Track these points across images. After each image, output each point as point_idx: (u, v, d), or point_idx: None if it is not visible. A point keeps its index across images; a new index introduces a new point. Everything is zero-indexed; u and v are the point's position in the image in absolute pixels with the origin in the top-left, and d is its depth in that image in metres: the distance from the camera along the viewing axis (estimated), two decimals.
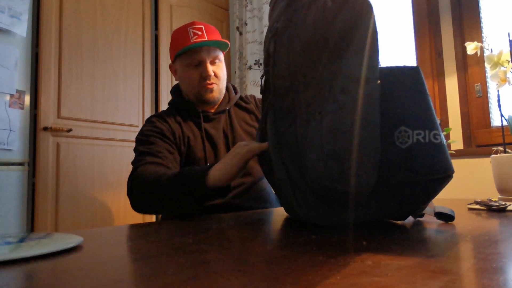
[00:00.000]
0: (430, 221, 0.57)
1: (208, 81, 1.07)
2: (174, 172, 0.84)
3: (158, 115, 1.11)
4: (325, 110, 0.46)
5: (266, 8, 2.41)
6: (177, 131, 1.05)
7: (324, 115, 0.46)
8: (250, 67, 2.47)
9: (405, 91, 0.49)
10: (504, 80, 1.00)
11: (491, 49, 1.09)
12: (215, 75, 1.09)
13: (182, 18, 2.39)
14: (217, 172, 0.76)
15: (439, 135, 0.48)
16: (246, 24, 2.54)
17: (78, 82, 1.86)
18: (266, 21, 2.40)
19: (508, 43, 1.00)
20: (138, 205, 0.91)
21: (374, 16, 0.46)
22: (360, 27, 0.45)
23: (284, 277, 0.26)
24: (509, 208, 0.71)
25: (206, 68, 1.06)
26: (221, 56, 1.13)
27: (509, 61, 1.00)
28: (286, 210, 0.66)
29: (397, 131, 0.47)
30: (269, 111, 0.58)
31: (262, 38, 2.44)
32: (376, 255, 0.33)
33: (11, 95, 1.61)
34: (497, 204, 0.73)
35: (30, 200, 1.68)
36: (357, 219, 0.50)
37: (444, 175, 0.47)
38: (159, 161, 0.95)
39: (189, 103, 1.11)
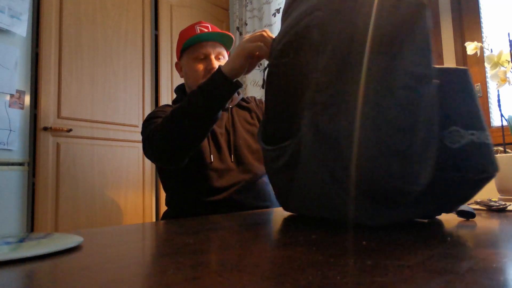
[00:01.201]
0: (442, 219, 0.57)
1: None
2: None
3: (165, 105, 1.18)
4: (381, 106, 0.44)
5: (266, 8, 2.41)
6: None
7: (381, 111, 0.44)
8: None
9: (456, 91, 0.49)
10: (504, 80, 1.00)
11: (491, 49, 1.09)
12: None
13: (182, 18, 2.39)
14: (226, 66, 0.86)
15: (489, 135, 0.49)
16: (246, 24, 2.54)
17: (78, 82, 1.86)
18: (266, 21, 2.40)
19: (508, 43, 1.00)
20: (160, 147, 0.93)
21: (429, 14, 0.45)
22: (419, 23, 0.45)
23: (284, 277, 0.26)
24: (509, 208, 0.71)
25: (211, 61, 1.10)
26: (225, 54, 1.16)
27: (509, 61, 1.00)
28: (310, 210, 0.61)
29: (447, 130, 0.48)
30: (307, 105, 0.55)
31: None
32: (376, 255, 0.33)
33: (11, 95, 1.61)
34: (497, 204, 0.73)
35: (30, 200, 1.68)
36: (400, 218, 0.50)
37: (493, 174, 0.48)
38: None
39: None
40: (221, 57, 1.14)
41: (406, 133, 0.43)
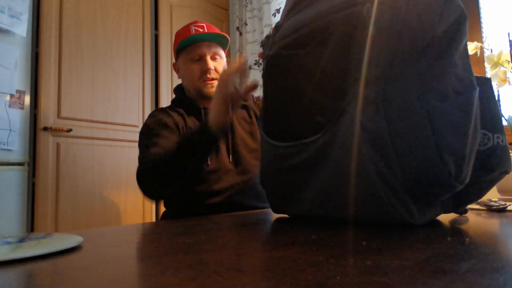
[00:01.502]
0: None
1: (208, 75, 1.09)
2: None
3: (160, 109, 1.14)
4: (432, 106, 0.46)
5: (266, 8, 2.41)
6: (181, 122, 1.08)
7: (433, 111, 0.46)
8: (250, 67, 2.47)
9: (482, 98, 0.53)
10: (504, 80, 1.00)
11: (491, 49, 1.09)
12: (216, 71, 1.11)
13: (182, 18, 2.39)
14: (211, 115, 0.87)
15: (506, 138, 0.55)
16: (246, 24, 2.54)
17: (78, 82, 1.86)
18: (266, 21, 2.40)
19: (508, 43, 1.00)
20: (153, 189, 0.97)
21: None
22: (462, 31, 0.48)
23: (284, 277, 0.26)
24: (509, 208, 0.71)
25: (206, 62, 1.09)
26: (222, 53, 1.15)
27: (509, 61, 1.00)
28: (332, 211, 0.56)
29: None
30: (351, 102, 0.52)
31: (262, 38, 2.43)
32: (376, 255, 0.33)
33: (11, 95, 1.61)
34: (497, 204, 0.73)
35: (30, 200, 1.68)
36: (433, 217, 0.53)
37: (509, 172, 0.54)
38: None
39: (191, 100, 1.14)
40: (217, 57, 1.12)
41: (462, 135, 0.46)
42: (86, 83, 1.90)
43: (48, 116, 1.74)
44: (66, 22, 1.84)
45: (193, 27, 1.12)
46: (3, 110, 1.57)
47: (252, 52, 2.48)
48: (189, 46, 1.11)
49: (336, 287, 0.24)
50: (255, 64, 2.47)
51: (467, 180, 0.47)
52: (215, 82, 1.09)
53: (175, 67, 1.21)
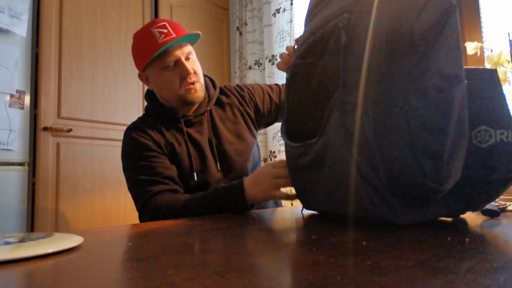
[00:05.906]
0: (466, 218, 0.57)
1: (189, 80, 0.99)
2: (203, 194, 0.87)
3: (136, 128, 1.01)
4: (410, 106, 0.46)
5: (266, 8, 2.41)
6: (161, 141, 0.99)
7: (410, 111, 0.46)
8: (250, 67, 2.47)
9: (485, 91, 0.51)
10: (504, 80, 1.00)
11: (491, 49, 1.09)
12: (194, 72, 1.00)
13: (182, 18, 2.39)
14: (252, 190, 0.82)
15: None
16: (246, 24, 2.54)
17: (78, 82, 1.86)
18: (266, 21, 2.40)
19: (508, 43, 1.00)
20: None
21: (458, 15, 0.47)
22: (449, 24, 0.46)
23: (284, 277, 0.26)
24: (509, 208, 0.71)
25: (184, 66, 0.98)
26: (192, 50, 1.04)
27: (509, 61, 1.00)
28: (335, 209, 0.59)
29: (476, 130, 0.49)
30: (335, 105, 0.55)
31: (262, 38, 2.43)
32: (376, 255, 0.33)
33: (11, 95, 1.61)
34: (497, 204, 0.73)
35: (30, 200, 1.68)
36: (428, 217, 0.51)
37: None
38: (166, 188, 0.91)
39: (167, 110, 1.03)
40: (191, 56, 1.01)
41: (439, 134, 0.44)
42: (86, 83, 1.90)
43: (48, 116, 1.74)
44: (66, 22, 1.84)
45: (155, 31, 0.98)
46: (3, 110, 1.57)
47: (252, 52, 2.48)
48: (159, 55, 0.98)
49: (336, 287, 0.24)
50: (255, 64, 2.47)
51: (451, 180, 0.46)
52: (197, 85, 1.00)
53: (143, 78, 1.06)
